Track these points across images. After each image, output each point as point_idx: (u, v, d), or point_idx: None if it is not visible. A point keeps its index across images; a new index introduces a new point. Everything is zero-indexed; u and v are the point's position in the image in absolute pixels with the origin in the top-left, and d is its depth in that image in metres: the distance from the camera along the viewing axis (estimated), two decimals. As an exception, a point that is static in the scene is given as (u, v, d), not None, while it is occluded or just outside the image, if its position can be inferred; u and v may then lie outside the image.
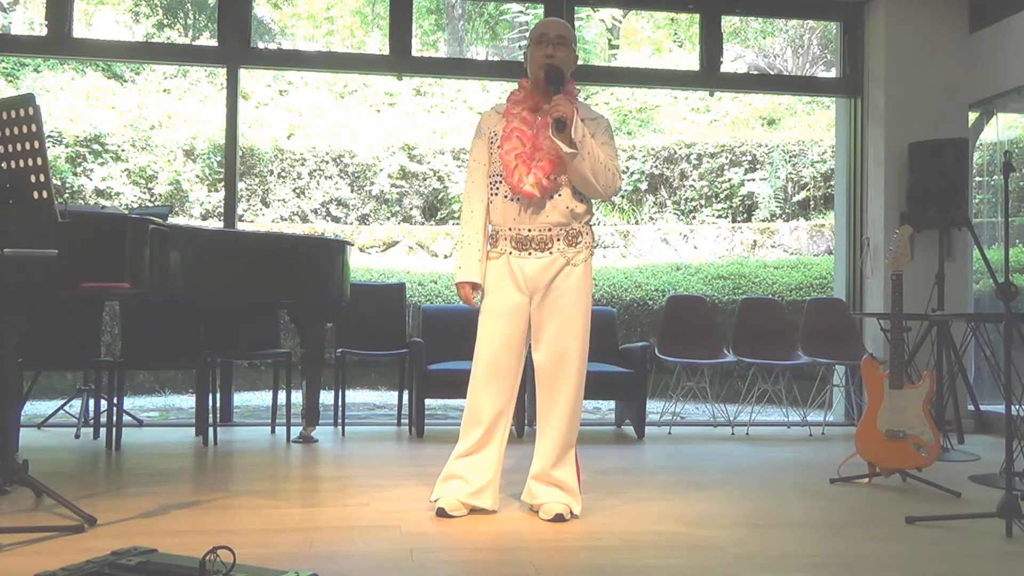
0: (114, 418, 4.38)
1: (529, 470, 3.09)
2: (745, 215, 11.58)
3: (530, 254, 3.00)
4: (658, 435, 5.17)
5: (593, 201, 3.11)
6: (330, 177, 11.56)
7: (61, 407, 5.15)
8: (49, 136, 9.98)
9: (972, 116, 5.98)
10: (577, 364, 3.01)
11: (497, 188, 3.04)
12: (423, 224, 11.64)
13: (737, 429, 5.41)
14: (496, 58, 13.59)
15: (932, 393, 3.71)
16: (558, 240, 3.00)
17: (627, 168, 11.69)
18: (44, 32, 5.39)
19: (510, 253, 3.02)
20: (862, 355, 4.06)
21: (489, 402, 3.02)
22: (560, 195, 2.99)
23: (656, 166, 11.78)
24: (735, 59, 13.65)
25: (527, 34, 3.41)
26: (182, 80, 12.22)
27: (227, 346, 4.82)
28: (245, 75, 7.64)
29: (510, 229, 3.02)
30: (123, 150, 10.66)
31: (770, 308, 5.90)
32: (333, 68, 9.90)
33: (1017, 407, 3.74)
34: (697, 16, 6.05)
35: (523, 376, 3.11)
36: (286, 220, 11.22)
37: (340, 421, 5.12)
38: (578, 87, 3.20)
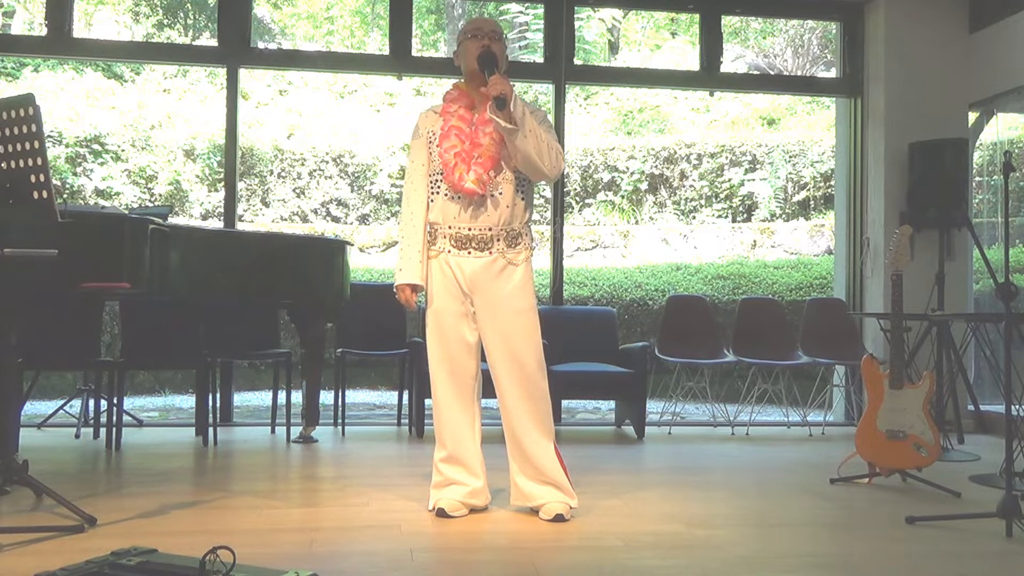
0: (114, 418, 4.38)
1: (509, 473, 3.07)
2: (745, 215, 11.57)
3: (469, 253, 2.96)
4: (658, 435, 5.17)
5: (535, 200, 3.04)
6: (330, 177, 11.55)
7: (61, 407, 5.15)
8: (49, 136, 9.97)
9: (972, 116, 5.98)
10: (535, 364, 2.98)
11: (438, 187, 3.00)
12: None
13: (737, 429, 5.40)
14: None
15: (932, 393, 3.71)
16: (498, 240, 2.97)
17: (627, 168, 11.69)
18: (44, 32, 5.39)
19: (448, 251, 2.99)
20: (862, 355, 4.05)
21: (455, 405, 3.02)
22: (501, 193, 2.95)
23: (656, 166, 11.77)
24: (735, 59, 13.63)
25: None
26: (182, 80, 12.21)
27: (227, 346, 4.82)
28: (245, 75, 7.62)
29: (450, 227, 2.98)
30: (123, 150, 10.65)
31: (770, 308, 5.90)
32: (333, 68, 9.91)
33: (1017, 407, 3.73)
34: (697, 16, 6.06)
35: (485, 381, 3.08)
36: (286, 220, 11.22)
37: (340, 421, 5.12)
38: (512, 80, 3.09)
